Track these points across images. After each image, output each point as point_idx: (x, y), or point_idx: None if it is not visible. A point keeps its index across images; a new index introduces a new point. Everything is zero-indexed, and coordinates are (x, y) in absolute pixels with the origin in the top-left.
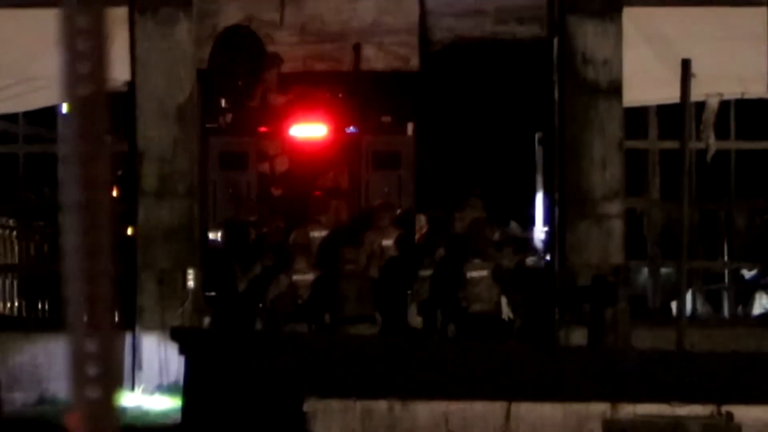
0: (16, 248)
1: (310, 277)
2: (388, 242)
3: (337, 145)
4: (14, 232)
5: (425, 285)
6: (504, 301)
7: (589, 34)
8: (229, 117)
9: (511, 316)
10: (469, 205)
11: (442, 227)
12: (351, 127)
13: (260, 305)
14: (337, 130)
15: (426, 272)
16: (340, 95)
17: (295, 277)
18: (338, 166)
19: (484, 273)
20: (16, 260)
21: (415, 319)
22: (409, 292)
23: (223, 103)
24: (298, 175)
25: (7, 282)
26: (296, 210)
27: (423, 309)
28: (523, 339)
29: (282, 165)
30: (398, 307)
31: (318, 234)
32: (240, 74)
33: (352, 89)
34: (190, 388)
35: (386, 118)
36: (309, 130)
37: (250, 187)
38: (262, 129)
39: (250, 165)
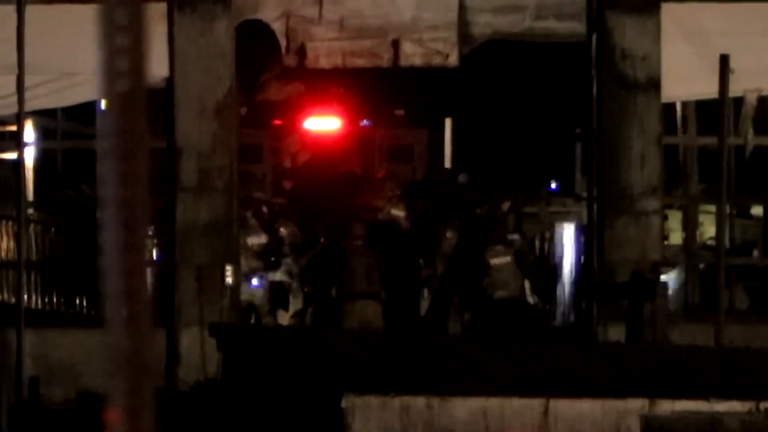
0: (51, 243)
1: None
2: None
3: (351, 139)
4: (52, 228)
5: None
6: (527, 285)
7: (627, 30)
8: (243, 110)
9: (535, 300)
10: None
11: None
12: (365, 121)
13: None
14: (351, 123)
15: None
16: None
17: None
18: (352, 159)
19: (508, 259)
20: (52, 255)
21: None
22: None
23: None
24: (312, 167)
25: (44, 277)
26: (311, 200)
27: (436, 295)
28: (547, 323)
29: (302, 158)
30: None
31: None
32: (254, 68)
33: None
34: (227, 384)
35: (399, 112)
36: (323, 124)
37: (265, 179)
38: (276, 122)
39: (264, 157)
